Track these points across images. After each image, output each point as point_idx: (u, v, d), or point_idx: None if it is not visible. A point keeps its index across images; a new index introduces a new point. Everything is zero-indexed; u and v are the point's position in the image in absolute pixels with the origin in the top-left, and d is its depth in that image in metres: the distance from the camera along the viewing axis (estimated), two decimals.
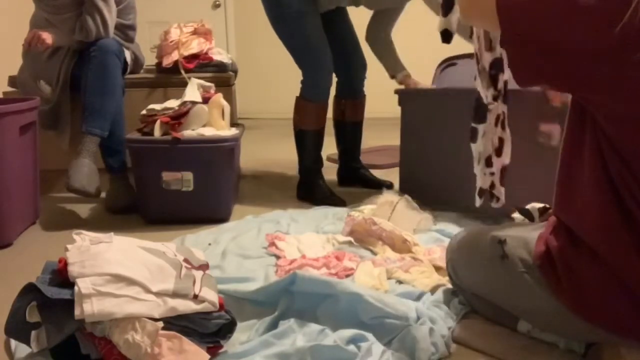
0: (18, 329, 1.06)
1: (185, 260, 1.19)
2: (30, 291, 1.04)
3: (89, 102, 2.15)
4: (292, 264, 1.59)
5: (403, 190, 2.20)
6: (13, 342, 1.16)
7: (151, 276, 1.08)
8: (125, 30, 2.51)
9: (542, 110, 1.78)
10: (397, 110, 2.29)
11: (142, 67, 2.77)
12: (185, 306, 1.07)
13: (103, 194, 2.25)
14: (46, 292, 1.00)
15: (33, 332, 1.08)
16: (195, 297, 1.09)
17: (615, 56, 0.85)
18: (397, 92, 2.28)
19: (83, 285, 1.01)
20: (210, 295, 1.12)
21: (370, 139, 3.66)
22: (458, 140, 1.91)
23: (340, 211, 2.12)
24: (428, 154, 2.17)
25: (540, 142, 1.68)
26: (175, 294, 1.08)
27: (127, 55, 2.47)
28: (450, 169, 2.08)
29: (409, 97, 2.26)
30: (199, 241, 1.82)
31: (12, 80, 2.72)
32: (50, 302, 1.00)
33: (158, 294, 1.06)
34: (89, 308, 0.98)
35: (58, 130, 2.40)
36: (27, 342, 1.09)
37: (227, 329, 1.13)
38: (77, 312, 0.98)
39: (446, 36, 1.35)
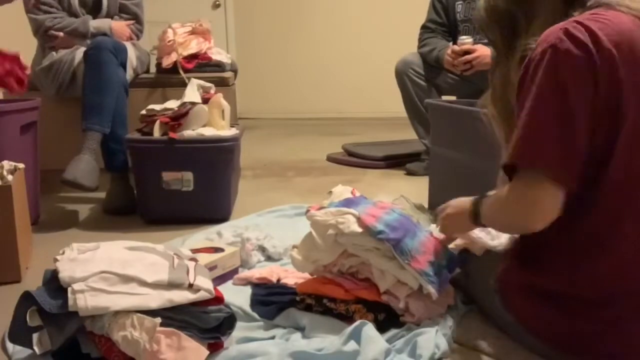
0: (21, 334, 1.07)
1: (175, 254, 1.19)
2: (28, 298, 1.04)
3: (87, 99, 2.15)
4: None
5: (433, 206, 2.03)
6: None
7: (145, 269, 1.08)
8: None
9: None
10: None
11: (147, 65, 2.79)
12: (182, 297, 1.06)
13: (103, 194, 2.26)
14: (44, 307, 1.01)
15: (35, 336, 1.09)
16: (191, 286, 1.08)
17: None
18: (425, 106, 2.32)
19: (77, 286, 1.02)
20: (206, 284, 1.10)
21: (367, 139, 3.66)
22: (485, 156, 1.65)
23: None
24: (457, 170, 1.98)
25: None
26: (170, 285, 1.07)
27: (132, 52, 2.47)
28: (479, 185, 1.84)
29: (436, 109, 2.18)
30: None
31: None
32: None
33: (153, 285, 1.06)
34: (82, 303, 0.99)
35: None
36: (30, 346, 1.09)
37: (228, 325, 1.12)
38: (70, 303, 0.99)
39: None
